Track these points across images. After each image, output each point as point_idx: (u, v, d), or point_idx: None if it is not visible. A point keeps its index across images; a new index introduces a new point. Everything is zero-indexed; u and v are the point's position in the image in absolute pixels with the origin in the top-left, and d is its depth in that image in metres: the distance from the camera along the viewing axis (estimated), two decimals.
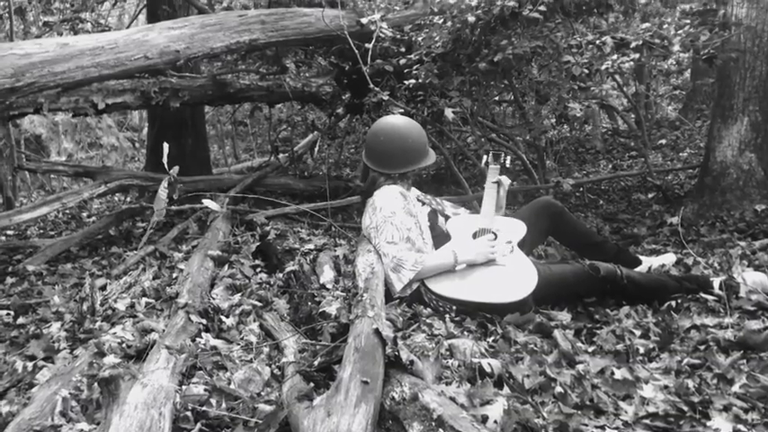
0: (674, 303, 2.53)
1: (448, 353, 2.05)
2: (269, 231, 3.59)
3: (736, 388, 1.84)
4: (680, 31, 3.41)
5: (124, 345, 2.28)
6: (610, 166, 6.41)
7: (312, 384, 1.86)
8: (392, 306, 2.46)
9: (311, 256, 3.14)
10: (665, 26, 3.35)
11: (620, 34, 3.56)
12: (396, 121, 2.95)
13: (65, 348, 2.41)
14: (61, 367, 2.21)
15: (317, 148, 6.61)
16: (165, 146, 2.48)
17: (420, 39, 3.87)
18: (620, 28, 3.59)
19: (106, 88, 3.93)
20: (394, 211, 2.67)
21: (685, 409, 1.77)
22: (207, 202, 2.80)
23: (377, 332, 1.88)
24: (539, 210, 3.00)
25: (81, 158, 7.99)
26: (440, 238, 2.77)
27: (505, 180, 2.92)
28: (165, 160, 2.47)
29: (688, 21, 3.52)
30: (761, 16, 3.52)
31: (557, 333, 2.27)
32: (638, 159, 6.36)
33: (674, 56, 3.34)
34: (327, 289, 2.71)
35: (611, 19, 3.98)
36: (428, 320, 2.39)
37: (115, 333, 2.38)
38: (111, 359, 2.17)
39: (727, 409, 1.73)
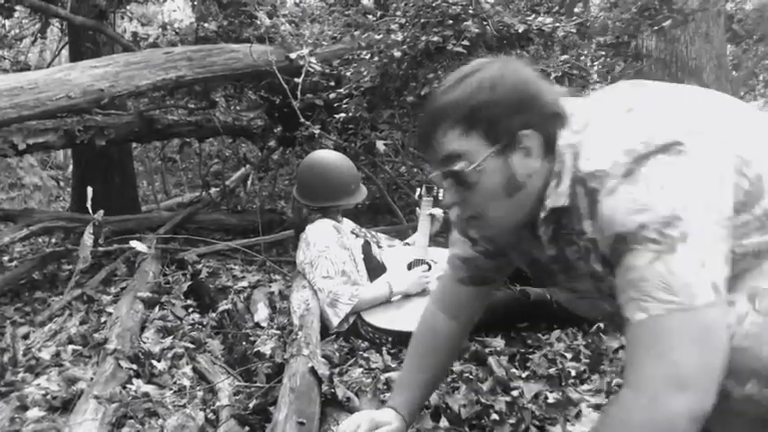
0: (602, 325, 2.62)
1: (385, 387, 2.05)
2: (201, 270, 3.53)
3: None
4: (596, 63, 3.58)
5: (49, 396, 2.18)
6: None
7: (248, 428, 1.84)
8: (328, 341, 2.46)
9: (245, 294, 3.10)
10: (582, 57, 3.51)
11: (541, 66, 3.71)
12: (325, 155, 2.98)
13: None
14: None
15: (249, 182, 6.55)
16: (89, 189, 2.42)
17: (349, 73, 3.92)
18: (541, 60, 3.74)
19: (27, 128, 3.79)
20: (328, 245, 2.68)
21: None
22: (134, 244, 2.74)
23: (312, 371, 1.87)
24: None
25: (1, 200, 7.65)
26: (375, 270, 2.79)
27: (438, 212, 2.97)
28: (89, 204, 2.40)
29: (603, 52, 3.71)
30: (668, 48, 3.74)
31: (491, 360, 2.31)
32: None
33: (591, 86, 3.50)
34: (262, 327, 2.68)
35: (532, 51, 4.14)
36: (365, 354, 2.39)
37: (39, 384, 2.27)
38: (34, 413, 2.07)
39: None
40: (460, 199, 1.19)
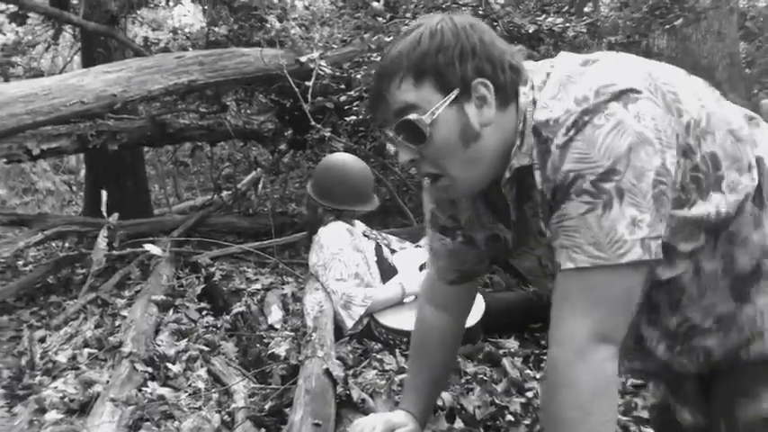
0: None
1: (399, 388, 2.05)
2: (214, 272, 3.54)
3: None
4: None
5: (66, 399, 2.20)
6: None
7: (263, 430, 1.85)
8: (342, 343, 2.46)
9: (258, 297, 3.11)
10: None
11: None
12: (348, 158, 3.01)
13: (2, 407, 2.31)
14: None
15: (260, 185, 6.57)
16: (104, 194, 2.44)
17: (359, 76, 3.93)
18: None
19: (41, 133, 3.83)
20: (341, 247, 2.69)
21: (633, 428, 1.83)
22: (149, 247, 2.76)
23: (327, 372, 1.88)
24: None
25: (15, 204, 7.71)
26: (387, 272, 2.80)
27: None
28: (103, 208, 2.42)
29: (614, 52, 3.67)
30: (680, 47, 3.72)
31: (505, 361, 2.31)
32: None
33: None
34: (276, 329, 2.69)
35: (543, 51, 4.14)
36: (378, 356, 2.39)
37: (57, 387, 2.29)
38: (53, 415, 2.09)
39: None
40: (417, 155, 1.16)
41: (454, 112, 1.11)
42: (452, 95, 1.10)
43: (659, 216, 1.00)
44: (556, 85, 1.08)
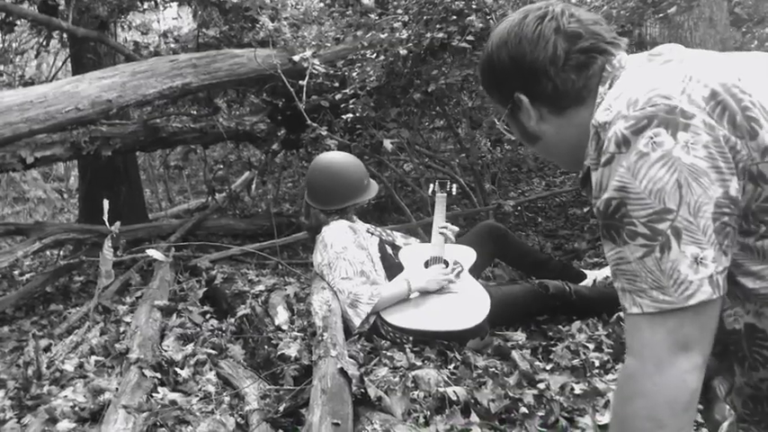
0: (621, 314, 2.62)
1: (413, 384, 2.06)
2: (215, 275, 3.53)
3: None
4: None
5: (77, 408, 2.19)
6: (543, 183, 6.59)
7: (280, 431, 1.84)
8: (351, 342, 2.46)
9: (262, 298, 3.10)
10: None
11: None
12: (332, 157, 2.99)
13: (11, 418, 2.29)
14: None
15: (253, 186, 6.55)
16: (106, 202, 2.41)
17: (355, 74, 3.92)
18: None
19: (34, 141, 3.79)
20: (345, 246, 2.68)
21: None
22: (152, 253, 2.74)
23: (342, 371, 1.88)
24: (483, 234, 3.07)
25: (7, 214, 7.65)
26: (392, 268, 2.80)
27: (451, 229, 2.93)
28: (105, 216, 2.39)
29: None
30: (672, 34, 3.74)
31: (515, 354, 2.32)
32: (570, 176, 6.57)
33: None
34: (283, 330, 2.68)
35: None
36: (388, 353, 2.40)
37: (66, 396, 2.28)
38: (65, 425, 2.08)
39: None
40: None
41: (513, 120, 1.24)
42: (507, 109, 1.22)
43: (723, 249, 0.94)
44: (620, 83, 1.06)
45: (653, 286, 0.94)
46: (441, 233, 2.87)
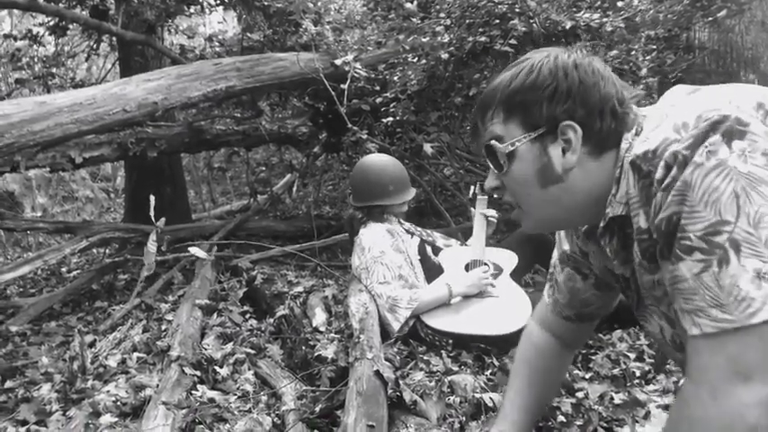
0: None
1: (449, 390, 2.05)
2: (255, 276, 3.57)
3: None
4: (647, 57, 3.51)
5: (119, 402, 2.24)
6: None
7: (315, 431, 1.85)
8: (388, 345, 2.46)
9: (301, 299, 3.13)
10: (633, 53, 3.45)
11: None
12: (373, 156, 3.02)
13: (57, 411, 2.35)
14: (56, 431, 2.16)
15: (294, 188, 6.62)
16: (152, 198, 2.48)
17: (396, 78, 3.93)
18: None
19: (83, 142, 3.92)
20: (383, 250, 2.68)
21: None
22: (194, 251, 2.79)
23: (378, 374, 1.87)
24: (523, 239, 3.04)
25: (56, 213, 7.88)
26: (432, 270, 2.79)
27: (492, 212, 2.94)
28: (152, 213, 2.46)
29: (654, 46, 3.63)
30: (722, 39, 3.65)
31: None
32: None
33: (643, 81, 3.43)
34: (321, 332, 2.70)
35: (580, 47, 4.09)
36: (425, 357, 2.39)
37: (109, 391, 2.34)
38: (107, 418, 2.13)
39: None
40: (499, 183, 1.17)
41: (536, 151, 1.09)
42: (535, 133, 1.08)
43: None
44: (659, 116, 1.01)
45: (711, 304, 0.89)
46: (482, 214, 2.84)
